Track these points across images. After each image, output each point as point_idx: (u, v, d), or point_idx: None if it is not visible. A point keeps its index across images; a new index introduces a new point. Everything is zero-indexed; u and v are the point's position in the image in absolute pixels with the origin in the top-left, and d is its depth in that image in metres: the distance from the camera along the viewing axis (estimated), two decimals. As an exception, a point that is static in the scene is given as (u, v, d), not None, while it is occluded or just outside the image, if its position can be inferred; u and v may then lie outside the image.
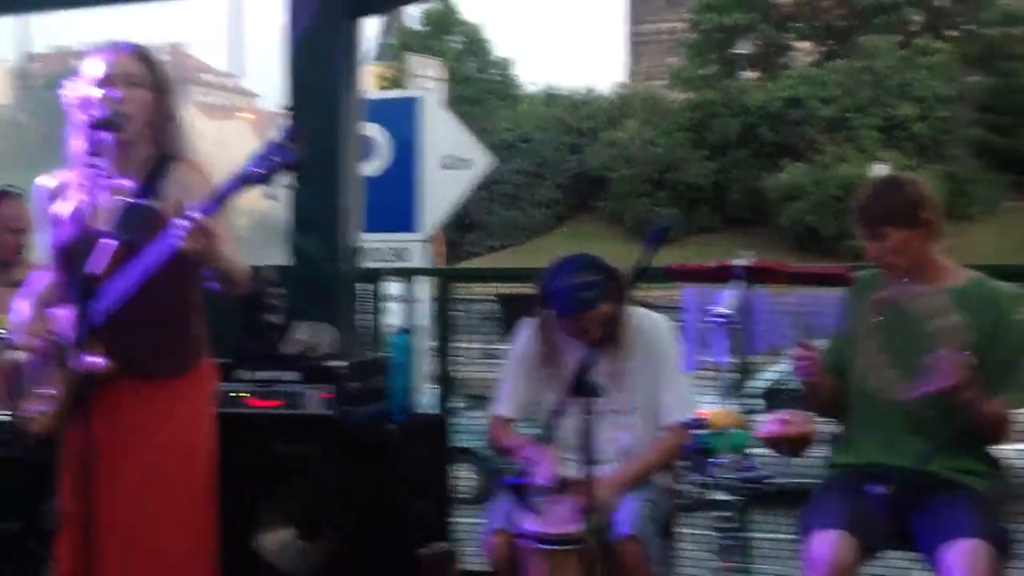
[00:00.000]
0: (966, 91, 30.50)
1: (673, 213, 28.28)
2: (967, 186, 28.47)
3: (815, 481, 3.33)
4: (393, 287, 4.97)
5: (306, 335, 4.13)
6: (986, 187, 29.42)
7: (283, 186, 3.94)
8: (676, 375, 3.41)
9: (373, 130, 6.74)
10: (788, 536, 3.09)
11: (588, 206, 33.29)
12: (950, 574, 2.84)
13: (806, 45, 36.34)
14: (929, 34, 32.32)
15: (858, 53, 31.92)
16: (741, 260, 3.76)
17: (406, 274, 5.16)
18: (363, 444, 3.86)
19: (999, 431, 3.06)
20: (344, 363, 3.96)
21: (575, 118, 34.82)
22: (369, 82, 6.85)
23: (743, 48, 35.98)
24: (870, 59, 31.23)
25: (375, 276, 4.92)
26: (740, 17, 35.30)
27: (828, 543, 2.94)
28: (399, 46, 32.25)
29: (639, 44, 41.36)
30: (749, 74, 35.43)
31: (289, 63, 4.56)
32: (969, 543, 2.85)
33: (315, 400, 3.88)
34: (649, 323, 3.46)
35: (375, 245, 6.43)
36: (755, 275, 3.66)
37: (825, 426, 3.41)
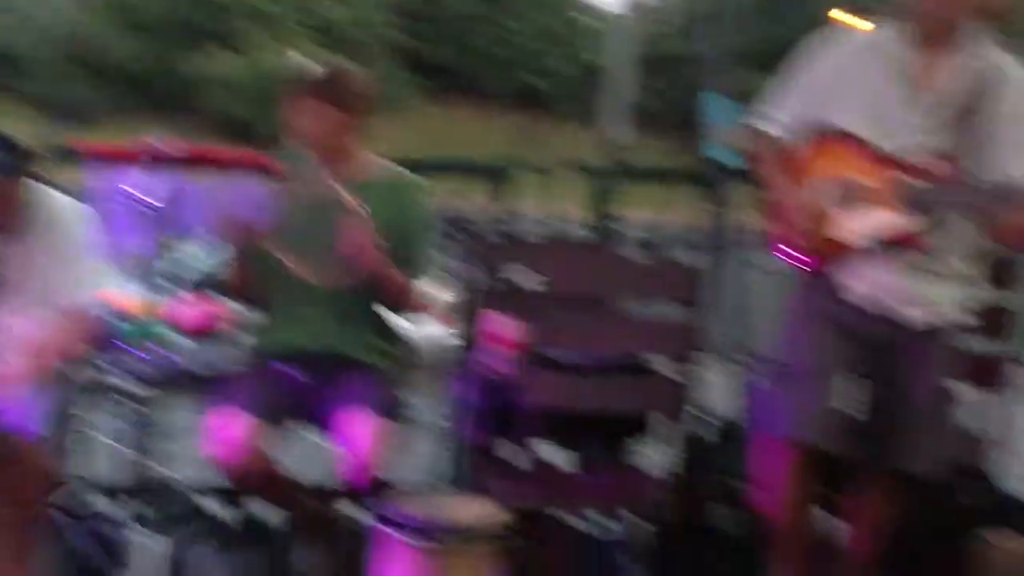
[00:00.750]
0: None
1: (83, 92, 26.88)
2: (386, 87, 29.91)
3: (232, 367, 3.35)
4: None
5: None
6: (402, 89, 31.11)
7: None
8: (83, 259, 3.20)
9: None
10: (200, 422, 3.08)
11: (2, 84, 30.65)
12: (346, 445, 3.02)
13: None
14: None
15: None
16: (162, 143, 3.65)
17: None
18: None
19: (403, 303, 3.29)
20: None
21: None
22: None
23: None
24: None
25: None
26: None
27: (232, 423, 3.01)
28: None
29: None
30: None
31: None
32: (364, 415, 3.05)
33: None
34: (56, 205, 3.21)
35: None
36: (178, 159, 3.58)
37: (247, 312, 3.43)
